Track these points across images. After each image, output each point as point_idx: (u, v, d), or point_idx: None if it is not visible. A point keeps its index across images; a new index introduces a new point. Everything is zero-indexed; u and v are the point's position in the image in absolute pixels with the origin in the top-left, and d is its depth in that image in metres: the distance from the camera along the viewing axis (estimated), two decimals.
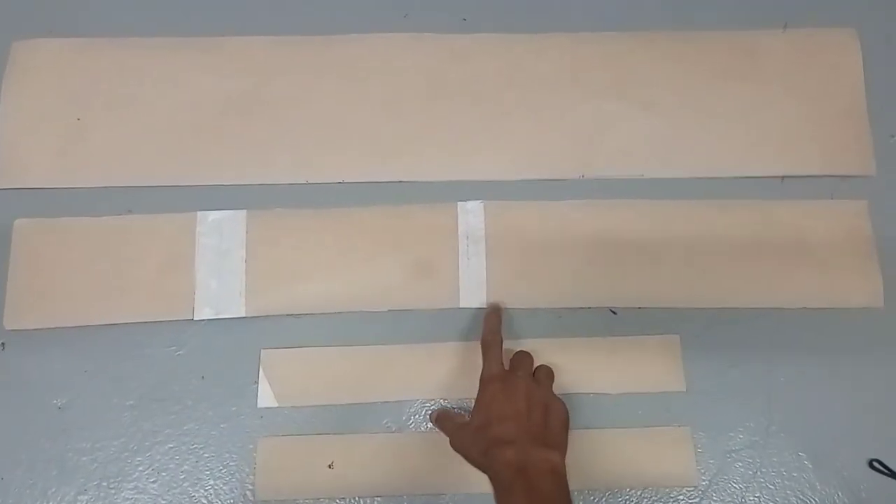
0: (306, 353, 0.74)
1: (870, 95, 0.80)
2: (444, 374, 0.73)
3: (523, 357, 0.69)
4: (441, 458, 0.70)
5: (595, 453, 0.71)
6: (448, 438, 0.67)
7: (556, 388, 0.69)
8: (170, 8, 0.83)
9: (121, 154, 0.78)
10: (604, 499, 0.70)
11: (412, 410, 0.73)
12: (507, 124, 0.79)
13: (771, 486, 0.71)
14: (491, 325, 0.71)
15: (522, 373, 0.67)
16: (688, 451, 0.71)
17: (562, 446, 0.63)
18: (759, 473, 0.71)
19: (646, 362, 0.74)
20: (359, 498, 0.70)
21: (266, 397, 0.72)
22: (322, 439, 0.72)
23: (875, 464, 0.71)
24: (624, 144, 0.79)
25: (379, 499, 0.70)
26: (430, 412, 0.73)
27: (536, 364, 0.70)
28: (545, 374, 0.69)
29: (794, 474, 0.71)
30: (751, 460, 0.71)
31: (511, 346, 0.72)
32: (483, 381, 0.67)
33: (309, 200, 0.77)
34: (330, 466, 0.71)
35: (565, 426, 0.64)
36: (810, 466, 0.71)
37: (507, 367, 0.69)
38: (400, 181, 0.77)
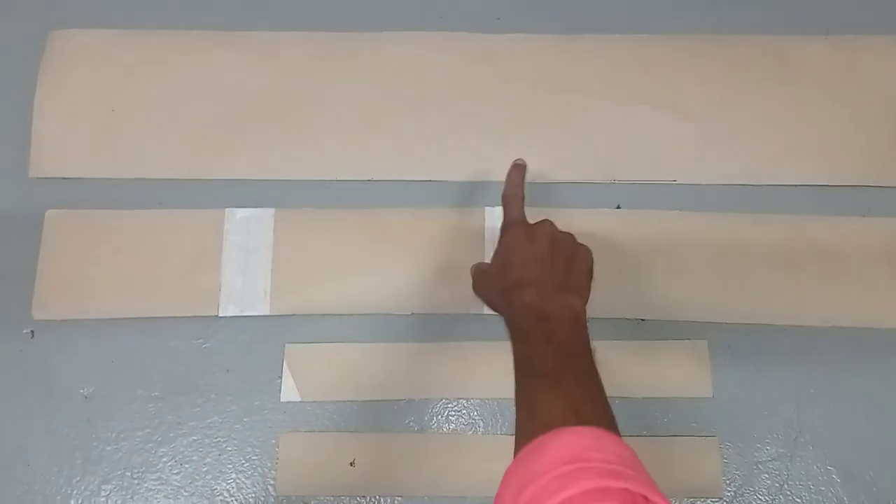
0: (330, 348, 0.74)
1: None
2: (470, 374, 0.73)
3: (547, 221, 0.67)
4: (464, 461, 0.70)
5: None
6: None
7: None
8: (203, 1, 0.83)
9: (153, 146, 0.78)
10: None
11: (435, 410, 0.72)
12: (537, 126, 0.78)
13: (798, 500, 0.69)
14: (513, 180, 0.69)
15: (548, 222, 0.65)
16: (714, 462, 0.70)
17: (584, 292, 0.62)
18: (785, 486, 0.70)
19: (672, 367, 0.73)
20: (379, 497, 0.70)
21: (289, 391, 0.72)
22: (344, 436, 0.71)
23: None
24: (656, 149, 0.78)
25: (399, 498, 0.70)
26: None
27: None
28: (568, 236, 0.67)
29: (822, 488, 0.70)
30: (778, 472, 0.70)
31: None
32: (505, 225, 0.66)
33: (337, 198, 0.77)
34: (351, 464, 0.71)
35: (589, 273, 0.63)
36: (839, 480, 0.70)
37: None
38: (428, 180, 0.77)
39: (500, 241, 0.65)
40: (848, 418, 0.71)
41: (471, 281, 0.71)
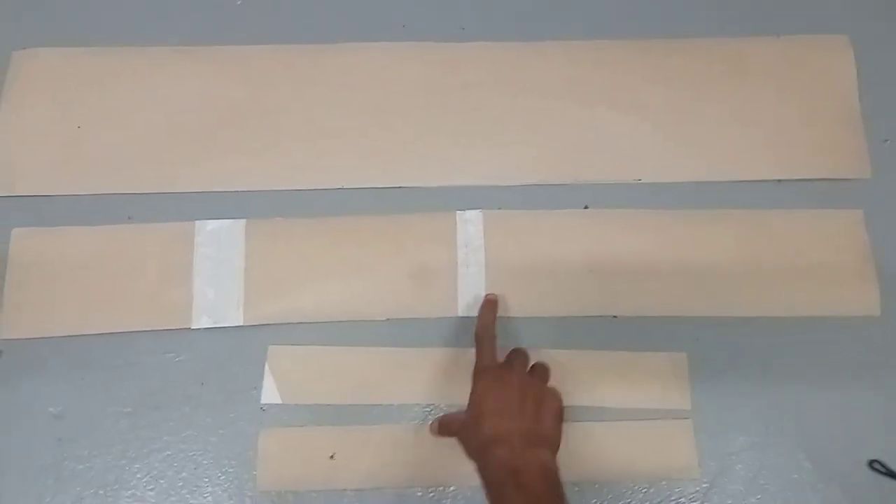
0: (313, 351, 0.74)
1: (863, 100, 0.81)
2: (449, 379, 0.73)
3: (519, 353, 0.69)
4: (444, 450, 0.69)
5: (595, 446, 0.71)
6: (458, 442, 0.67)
7: None
8: (169, 17, 0.84)
9: (120, 161, 0.78)
10: (605, 496, 0.70)
11: (413, 414, 0.72)
12: (504, 131, 0.80)
13: (772, 488, 0.70)
14: (484, 320, 0.71)
15: (517, 365, 0.67)
16: (689, 444, 0.71)
17: (554, 441, 0.63)
18: (759, 475, 0.71)
19: (651, 379, 0.73)
20: (360, 489, 0.70)
21: (270, 393, 0.72)
22: (324, 430, 0.71)
23: (875, 464, 0.71)
24: (620, 149, 0.79)
25: (380, 490, 0.70)
26: (430, 423, 0.71)
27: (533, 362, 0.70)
28: (541, 369, 0.68)
29: (794, 476, 0.71)
30: (751, 462, 0.71)
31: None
32: (476, 373, 0.67)
33: (308, 208, 0.77)
34: (331, 457, 0.70)
35: (559, 419, 0.64)
36: (810, 467, 0.71)
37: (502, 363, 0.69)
38: (399, 187, 0.78)
39: (472, 388, 0.67)
40: (816, 407, 0.73)
41: (443, 284, 0.74)
